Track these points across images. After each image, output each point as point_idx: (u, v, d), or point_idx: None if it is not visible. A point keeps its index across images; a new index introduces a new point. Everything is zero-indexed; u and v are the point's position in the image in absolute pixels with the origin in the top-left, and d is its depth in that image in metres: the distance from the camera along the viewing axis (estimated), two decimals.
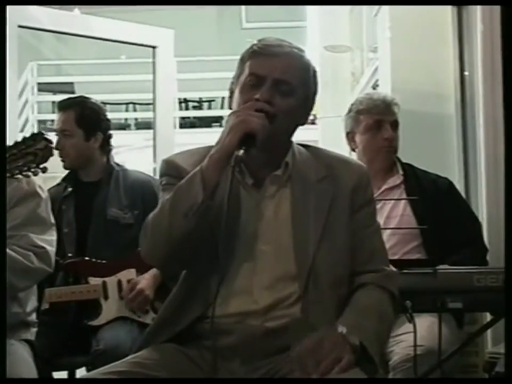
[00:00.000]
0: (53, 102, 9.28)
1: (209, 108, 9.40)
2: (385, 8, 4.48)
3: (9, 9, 3.95)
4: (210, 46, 8.67)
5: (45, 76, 9.06)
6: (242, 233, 2.17)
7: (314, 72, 2.25)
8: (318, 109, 6.86)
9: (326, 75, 6.93)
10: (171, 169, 2.27)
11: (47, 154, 2.23)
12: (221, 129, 6.17)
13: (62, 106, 3.63)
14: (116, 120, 9.06)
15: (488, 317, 3.22)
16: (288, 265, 2.14)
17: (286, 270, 2.14)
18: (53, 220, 2.72)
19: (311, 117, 8.44)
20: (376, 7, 4.85)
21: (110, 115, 3.84)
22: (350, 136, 3.45)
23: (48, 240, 2.63)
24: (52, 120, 8.94)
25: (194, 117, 9.21)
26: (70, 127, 3.53)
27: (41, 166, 2.22)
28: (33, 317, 2.78)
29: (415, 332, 2.48)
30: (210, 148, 2.13)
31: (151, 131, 7.43)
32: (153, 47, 4.74)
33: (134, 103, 9.36)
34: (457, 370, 3.07)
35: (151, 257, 2.21)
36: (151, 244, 2.15)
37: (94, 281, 3.39)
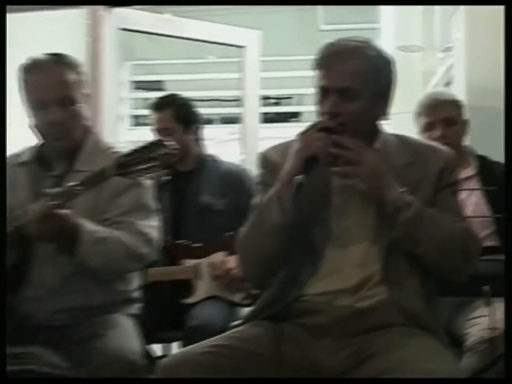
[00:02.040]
0: (145, 99, 9.38)
1: (288, 104, 9.41)
2: (461, 9, 4.39)
3: (112, 13, 4.05)
4: (289, 47, 8.63)
5: (138, 74, 9.15)
6: (335, 216, 2.17)
7: (384, 62, 2.19)
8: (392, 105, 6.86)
9: (399, 73, 6.90)
10: (264, 164, 2.31)
11: (170, 160, 2.28)
12: (297, 124, 6.22)
13: (159, 106, 3.64)
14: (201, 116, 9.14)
15: None
16: (371, 245, 2.14)
17: (371, 249, 2.14)
18: (155, 207, 2.72)
19: None
20: (451, 7, 4.77)
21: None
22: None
23: (152, 226, 2.63)
24: (144, 116, 9.08)
25: (273, 113, 9.19)
26: (170, 124, 3.55)
27: (163, 170, 2.25)
28: (137, 293, 2.79)
29: (492, 315, 2.47)
30: None
31: (235, 125, 7.51)
32: (242, 47, 4.76)
33: (219, 100, 9.39)
34: None
35: (244, 272, 2.33)
36: (243, 260, 2.25)
37: (188, 263, 3.43)
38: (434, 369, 1.79)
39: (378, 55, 2.18)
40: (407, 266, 2.12)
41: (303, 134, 2.12)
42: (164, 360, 2.07)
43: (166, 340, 3.51)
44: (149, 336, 3.17)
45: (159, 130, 3.58)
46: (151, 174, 2.29)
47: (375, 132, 2.24)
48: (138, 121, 9.28)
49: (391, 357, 1.91)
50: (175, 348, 3.60)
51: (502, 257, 2.43)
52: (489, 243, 3.01)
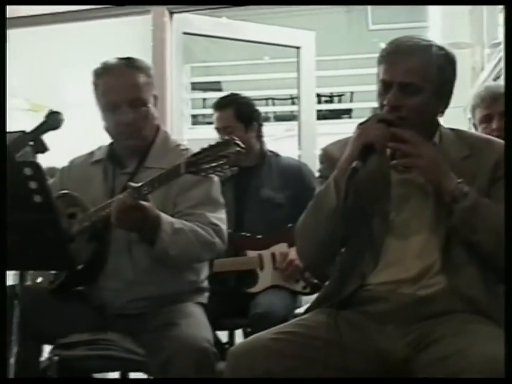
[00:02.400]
0: (204, 99, 9.45)
1: (339, 101, 9.38)
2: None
3: (174, 18, 4.08)
4: (340, 46, 8.62)
5: (197, 76, 9.21)
6: (394, 208, 2.17)
7: (446, 60, 2.17)
8: None
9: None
10: (325, 158, 2.32)
11: (238, 158, 2.29)
12: (349, 120, 6.22)
13: (220, 106, 3.65)
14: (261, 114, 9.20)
15: None
16: (430, 236, 2.13)
17: (429, 240, 2.13)
18: (222, 200, 2.74)
19: None
20: (498, 8, 4.71)
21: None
22: (475, 126, 3.38)
23: (221, 218, 2.64)
24: (203, 115, 9.15)
25: (326, 110, 9.19)
26: (231, 123, 3.56)
27: (233, 168, 2.27)
28: (206, 283, 2.81)
29: None
30: None
31: (290, 123, 7.51)
32: (297, 48, 4.75)
33: (273, 99, 9.40)
34: None
35: (304, 259, 2.33)
36: (302, 248, 2.25)
37: (252, 254, 3.45)
38: (497, 354, 1.75)
39: (441, 52, 2.16)
40: (465, 255, 2.09)
41: (363, 124, 2.13)
42: (234, 347, 2.08)
43: (231, 327, 3.51)
44: (215, 324, 3.23)
45: (221, 129, 3.60)
46: (221, 172, 2.29)
47: (433, 127, 2.23)
48: (197, 120, 9.38)
49: (453, 343, 1.89)
50: (238, 335, 3.61)
51: None
52: None
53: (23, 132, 1.95)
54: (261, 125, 3.72)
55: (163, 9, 3.99)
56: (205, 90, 9.43)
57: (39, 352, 2.54)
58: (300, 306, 3.53)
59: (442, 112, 2.23)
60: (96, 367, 2.62)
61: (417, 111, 2.11)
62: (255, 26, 4.66)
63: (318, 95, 9.55)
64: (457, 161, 2.14)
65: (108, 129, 2.70)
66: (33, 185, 1.90)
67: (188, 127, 8.53)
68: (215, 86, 9.64)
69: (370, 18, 9.09)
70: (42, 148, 2.28)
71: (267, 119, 9.58)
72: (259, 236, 3.47)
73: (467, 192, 2.04)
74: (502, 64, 4.78)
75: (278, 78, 7.99)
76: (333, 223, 2.04)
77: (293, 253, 3.37)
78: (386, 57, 2.15)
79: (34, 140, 2.27)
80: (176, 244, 2.43)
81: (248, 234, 3.48)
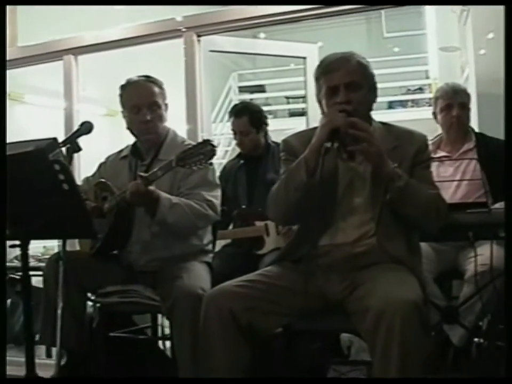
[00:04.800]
0: (250, 100, 9.57)
1: None
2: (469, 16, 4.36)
3: (202, 40, 4.22)
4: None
5: (243, 81, 9.36)
6: (341, 191, 2.27)
7: (367, 62, 2.28)
8: None
9: (442, 69, 6.80)
10: (286, 147, 2.40)
11: (212, 155, 2.43)
12: None
13: (236, 113, 3.70)
14: (295, 110, 9.23)
15: None
16: (368, 211, 2.24)
17: (367, 214, 2.24)
18: (218, 182, 2.85)
19: (427, 100, 8.19)
20: (464, 17, 4.71)
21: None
22: (434, 115, 3.43)
23: (215, 196, 2.77)
24: None
25: None
26: (247, 128, 3.64)
27: (209, 162, 2.44)
28: (210, 246, 2.93)
29: (476, 254, 2.58)
30: (314, 129, 2.23)
31: (302, 118, 7.51)
32: (304, 58, 4.83)
33: (298, 97, 9.42)
34: None
35: (275, 218, 2.47)
36: (274, 209, 2.32)
37: (259, 223, 3.54)
38: (394, 292, 1.90)
39: (362, 58, 2.29)
40: (394, 224, 2.21)
41: (327, 113, 2.22)
42: (207, 293, 2.21)
43: None
44: (233, 278, 3.37)
45: (238, 132, 3.69)
46: (200, 165, 2.43)
47: (370, 119, 2.33)
48: None
49: (367, 286, 2.04)
50: None
51: (482, 210, 2.49)
52: (483, 199, 3.05)
53: (54, 138, 2.11)
54: (267, 125, 3.78)
55: (192, 33, 4.14)
56: (252, 92, 9.57)
57: (83, 301, 2.72)
58: None
59: (374, 102, 2.35)
60: (128, 310, 2.79)
61: (361, 103, 2.23)
62: (265, 42, 4.77)
63: None
64: (388, 151, 2.21)
65: (130, 128, 2.87)
66: (61, 176, 2.03)
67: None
68: (260, 89, 9.79)
69: (385, 27, 9.10)
70: (77, 149, 2.52)
71: (304, 113, 9.62)
72: (261, 209, 3.42)
73: (401, 174, 2.15)
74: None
75: (294, 82, 8.08)
76: (301, 193, 2.15)
77: None
78: (326, 70, 2.25)
79: (70, 143, 2.50)
80: (173, 214, 2.59)
81: (257, 209, 3.56)
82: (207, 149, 2.40)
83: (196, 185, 2.73)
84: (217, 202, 2.76)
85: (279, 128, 6.35)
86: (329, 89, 2.24)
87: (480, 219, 2.49)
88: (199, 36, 4.17)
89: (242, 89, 9.44)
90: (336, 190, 2.26)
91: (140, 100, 2.79)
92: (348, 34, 8.29)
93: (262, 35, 6.93)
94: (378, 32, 9.25)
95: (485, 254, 2.62)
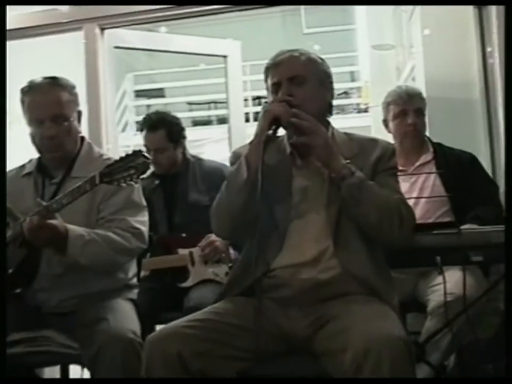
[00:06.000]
0: (148, 106, 9.53)
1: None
2: (418, 10, 4.52)
3: (106, 33, 4.18)
4: (276, 50, 8.74)
5: (139, 84, 9.29)
6: (295, 197, 2.33)
7: (322, 62, 2.42)
8: (371, 98, 6.95)
9: (375, 69, 6.99)
10: (235, 160, 2.43)
11: (146, 168, 2.36)
12: None
13: (151, 127, 3.67)
14: (200, 118, 9.30)
15: None
16: (325, 222, 2.29)
17: (324, 225, 2.29)
18: (144, 203, 2.83)
19: (364, 106, 8.38)
20: (410, 9, 4.88)
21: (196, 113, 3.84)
22: (385, 122, 3.53)
23: (142, 221, 2.75)
24: None
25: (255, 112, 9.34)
26: (163, 144, 3.63)
27: (141, 177, 2.38)
28: (135, 280, 2.91)
29: (444, 282, 2.57)
30: None
31: (209, 127, 7.60)
32: (224, 56, 4.89)
33: (215, 102, 9.50)
34: (485, 313, 3.04)
35: (219, 231, 2.45)
36: (217, 222, 2.36)
37: (182, 251, 3.54)
38: (377, 329, 1.93)
39: (313, 55, 2.42)
40: (354, 238, 2.27)
41: (266, 106, 2.30)
42: (151, 335, 2.17)
43: (168, 320, 3.47)
44: (152, 318, 3.33)
45: (152, 149, 3.63)
46: (131, 180, 2.38)
47: (325, 123, 2.41)
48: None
49: (342, 322, 2.06)
50: None
51: (454, 230, 2.55)
52: (446, 219, 3.15)
53: None
54: (185, 138, 3.78)
55: (94, 25, 4.09)
56: (149, 97, 9.52)
57: None
58: None
59: (330, 110, 2.45)
60: (37, 362, 2.69)
61: (307, 98, 2.32)
62: (182, 38, 4.76)
63: (258, 97, 9.71)
64: (347, 159, 2.29)
65: (34, 143, 2.79)
66: None
67: (133, 133, 8.60)
68: (159, 93, 9.76)
69: (304, 23, 9.26)
70: None
71: (210, 122, 9.69)
72: (184, 235, 3.58)
73: (354, 171, 2.23)
74: (416, 65, 4.98)
75: (216, 83, 8.12)
76: (245, 193, 2.20)
77: (214, 236, 3.48)
78: (271, 65, 2.38)
79: None
80: (87, 254, 2.55)
81: (178, 234, 3.57)
82: (138, 161, 2.35)
83: (120, 208, 2.70)
84: (145, 229, 2.75)
85: None
86: (273, 86, 2.37)
87: (449, 241, 2.54)
88: (102, 29, 4.13)
89: (139, 94, 9.39)
90: (289, 199, 2.33)
91: (42, 112, 2.71)
92: (264, 29, 8.40)
93: (163, 29, 6.92)
94: (297, 27, 9.42)
95: (451, 281, 2.69)
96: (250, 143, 2.28)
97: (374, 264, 2.28)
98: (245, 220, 2.25)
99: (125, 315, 2.61)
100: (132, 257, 2.82)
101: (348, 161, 2.25)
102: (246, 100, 7.39)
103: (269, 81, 2.38)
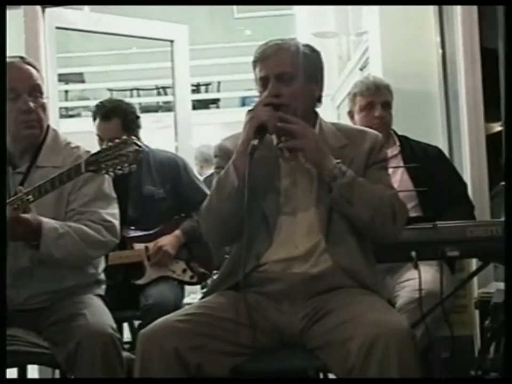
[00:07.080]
0: (66, 91, 9.40)
1: (206, 91, 9.52)
2: None
3: (47, 12, 4.16)
4: (205, 36, 8.76)
5: (60, 67, 9.16)
6: (285, 191, 2.42)
7: (313, 54, 2.49)
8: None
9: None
10: (220, 152, 2.54)
11: (138, 157, 2.39)
12: (217, 110, 6.27)
13: (106, 116, 3.69)
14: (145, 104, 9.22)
15: (474, 265, 3.40)
16: (316, 215, 2.39)
17: (315, 219, 2.39)
18: (114, 195, 2.86)
19: None
20: None
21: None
22: (350, 114, 3.65)
23: (114, 214, 2.78)
24: (66, 108, 9.09)
25: (193, 100, 9.35)
26: (118, 134, 3.46)
27: (133, 166, 2.39)
28: (103, 275, 2.94)
29: (420, 277, 2.65)
30: None
31: (156, 114, 7.51)
32: (171, 41, 4.95)
33: (138, 89, 9.45)
34: (451, 311, 3.18)
35: (210, 238, 2.52)
36: (207, 228, 2.44)
37: (138, 246, 3.60)
38: (382, 320, 2.05)
39: (303, 46, 2.48)
40: (345, 232, 2.38)
41: (251, 110, 2.37)
42: (144, 329, 2.21)
43: (123, 319, 3.63)
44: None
45: (106, 139, 3.57)
46: (120, 169, 2.40)
47: (313, 117, 2.51)
48: (60, 113, 9.32)
49: (344, 313, 2.17)
50: (126, 327, 3.76)
51: (425, 225, 2.69)
52: (413, 214, 3.27)
53: None
54: (140, 127, 3.81)
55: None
56: (67, 82, 9.39)
57: None
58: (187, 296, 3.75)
59: (319, 100, 2.53)
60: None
61: (295, 97, 2.40)
62: (127, 20, 4.77)
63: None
64: (335, 150, 2.41)
65: (9, 123, 2.71)
66: None
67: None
68: (77, 78, 9.64)
69: (235, 7, 9.28)
70: None
71: (159, 108, 9.57)
72: (146, 232, 3.65)
73: (345, 171, 2.33)
74: (369, 53, 5.12)
75: (145, 69, 8.07)
76: (235, 201, 2.27)
77: (164, 241, 3.58)
78: (259, 58, 2.44)
79: None
80: (60, 248, 2.57)
81: (134, 229, 3.63)
82: (129, 149, 2.38)
83: (91, 200, 2.73)
84: (116, 222, 2.78)
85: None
86: (261, 80, 2.45)
87: (425, 236, 2.68)
88: (43, 8, 4.13)
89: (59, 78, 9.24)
90: (278, 193, 2.41)
91: (19, 83, 2.72)
92: (191, 13, 8.38)
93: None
94: (227, 11, 9.44)
95: (423, 277, 2.73)
96: (237, 150, 2.33)
97: (364, 257, 2.39)
98: (235, 226, 2.32)
99: (100, 310, 2.64)
100: (105, 251, 2.86)
101: (339, 160, 2.33)
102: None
103: (257, 74, 2.45)
